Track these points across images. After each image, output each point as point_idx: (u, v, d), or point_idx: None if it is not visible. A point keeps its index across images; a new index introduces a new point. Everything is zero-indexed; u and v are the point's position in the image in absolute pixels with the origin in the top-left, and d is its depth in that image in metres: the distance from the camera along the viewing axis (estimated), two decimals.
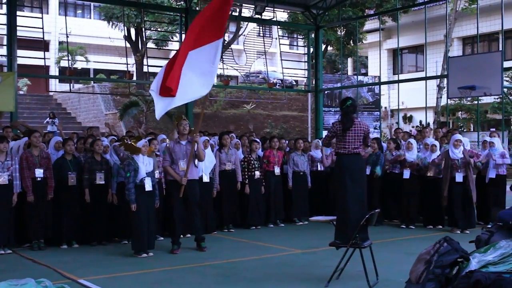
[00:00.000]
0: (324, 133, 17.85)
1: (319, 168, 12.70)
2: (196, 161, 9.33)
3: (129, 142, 9.00)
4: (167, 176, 9.67)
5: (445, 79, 16.69)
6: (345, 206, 7.00)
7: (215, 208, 11.20)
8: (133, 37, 30.24)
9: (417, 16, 26.95)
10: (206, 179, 10.71)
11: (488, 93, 14.69)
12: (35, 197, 9.35)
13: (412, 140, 11.90)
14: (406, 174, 11.57)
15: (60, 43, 35.65)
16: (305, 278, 7.33)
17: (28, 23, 15.43)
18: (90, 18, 43.24)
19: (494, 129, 19.98)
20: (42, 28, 14.89)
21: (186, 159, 9.18)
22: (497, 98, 22.90)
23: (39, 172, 9.43)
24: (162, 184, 10.24)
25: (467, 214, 11.01)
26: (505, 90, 17.54)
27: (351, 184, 7.08)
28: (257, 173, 11.76)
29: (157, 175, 9.71)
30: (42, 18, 14.95)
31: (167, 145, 9.54)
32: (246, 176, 11.68)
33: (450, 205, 11.03)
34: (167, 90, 8.54)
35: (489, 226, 7.49)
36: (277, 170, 12.08)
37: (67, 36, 16.83)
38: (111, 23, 30.36)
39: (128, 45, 24.93)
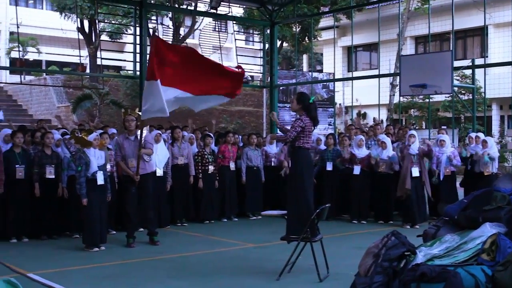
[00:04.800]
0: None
1: (272, 163, 12.76)
2: (146, 156, 9.26)
3: (80, 136, 8.89)
4: (120, 170, 9.59)
5: (398, 77, 16.94)
6: (307, 200, 7.10)
7: (168, 202, 11.16)
8: (87, 29, 29.76)
9: (371, 15, 27.28)
10: (159, 173, 10.64)
11: (439, 91, 14.96)
12: None
13: (360, 137, 12.04)
14: (357, 170, 11.72)
15: (11, 33, 34.77)
16: (257, 272, 7.38)
17: None
18: (42, 8, 42.32)
19: (445, 127, 20.39)
20: None
21: (136, 155, 9.16)
22: (448, 97, 23.36)
23: None
24: (114, 177, 10.15)
25: (422, 208, 11.27)
26: (455, 89, 17.89)
27: (309, 178, 7.20)
28: (211, 168, 11.76)
29: (109, 168, 9.61)
30: None
31: (116, 140, 9.49)
32: (200, 171, 11.66)
33: (405, 200, 11.19)
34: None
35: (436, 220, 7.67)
36: (232, 165, 12.11)
37: (18, 27, 16.40)
38: (63, 14, 29.78)
39: (81, 37, 24.53)
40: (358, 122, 14.92)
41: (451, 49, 17.06)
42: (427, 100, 22.48)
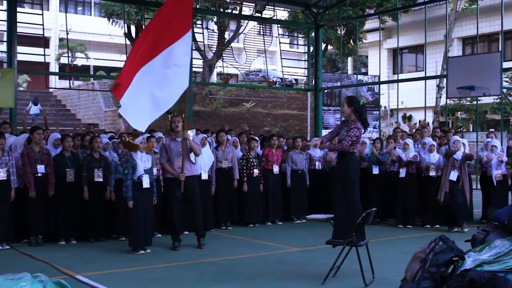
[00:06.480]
0: (324, 132, 17.88)
1: (317, 167, 12.71)
2: (193, 157, 9.30)
3: (127, 139, 9.02)
4: (165, 173, 9.69)
5: (445, 79, 16.69)
6: (358, 205, 7.04)
7: (212, 206, 11.22)
8: (133, 34, 30.23)
9: (417, 16, 26.97)
10: (204, 176, 10.73)
11: (487, 93, 14.70)
12: (36, 193, 9.37)
13: (409, 141, 11.86)
14: (402, 173, 11.57)
15: (60, 39, 35.65)
16: (301, 276, 7.35)
17: (28, 19, 15.45)
18: (90, 15, 43.26)
19: (493, 130, 19.98)
20: (42, 24, 14.91)
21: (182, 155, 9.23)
22: (497, 99, 22.92)
23: (40, 168, 9.45)
24: (160, 181, 10.26)
25: (461, 210, 11.03)
26: (504, 90, 17.56)
27: (358, 183, 7.17)
28: (256, 171, 11.78)
29: (155, 172, 9.72)
30: (42, 14, 14.96)
31: (163, 142, 9.59)
32: (245, 174, 11.69)
33: (445, 204, 11.01)
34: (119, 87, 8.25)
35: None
36: (275, 169, 12.10)
37: (67, 33, 16.84)
38: (111, 20, 30.34)
39: (128, 42, 24.89)
40: (412, 126, 14.72)
41: (500, 50, 16.72)
42: (475, 102, 22.07)
